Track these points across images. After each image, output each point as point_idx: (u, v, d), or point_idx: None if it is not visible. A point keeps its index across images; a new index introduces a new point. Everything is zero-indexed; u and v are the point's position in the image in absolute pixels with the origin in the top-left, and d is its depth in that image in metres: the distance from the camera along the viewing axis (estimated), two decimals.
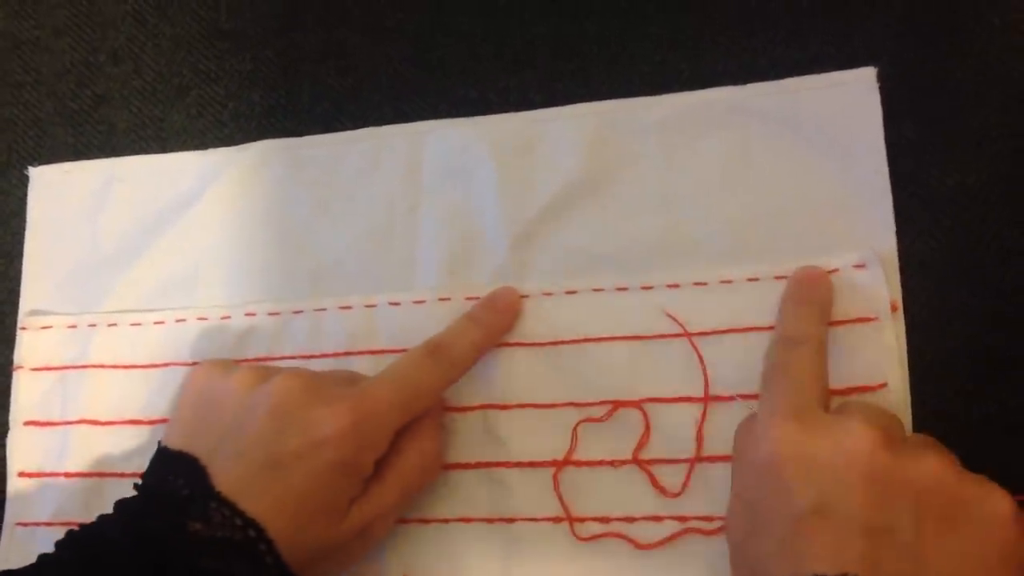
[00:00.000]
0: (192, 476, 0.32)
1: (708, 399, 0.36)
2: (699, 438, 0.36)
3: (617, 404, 0.37)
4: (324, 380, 0.35)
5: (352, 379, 0.36)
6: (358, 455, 0.33)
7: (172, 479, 0.33)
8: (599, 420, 0.38)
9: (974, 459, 0.35)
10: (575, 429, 0.38)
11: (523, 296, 0.39)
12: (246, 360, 0.42)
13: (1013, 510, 0.28)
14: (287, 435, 0.32)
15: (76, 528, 0.32)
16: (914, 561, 0.28)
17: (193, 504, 0.31)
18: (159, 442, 0.36)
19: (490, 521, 0.38)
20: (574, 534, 0.37)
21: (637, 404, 0.37)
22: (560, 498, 0.37)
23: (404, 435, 0.35)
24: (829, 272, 0.36)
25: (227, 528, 0.30)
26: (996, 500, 0.29)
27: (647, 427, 0.37)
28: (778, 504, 0.29)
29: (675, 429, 0.37)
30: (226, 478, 0.32)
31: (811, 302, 0.35)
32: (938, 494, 0.29)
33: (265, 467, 0.32)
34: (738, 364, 0.36)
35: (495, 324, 0.38)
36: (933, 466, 0.29)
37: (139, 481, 0.35)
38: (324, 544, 0.33)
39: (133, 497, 0.33)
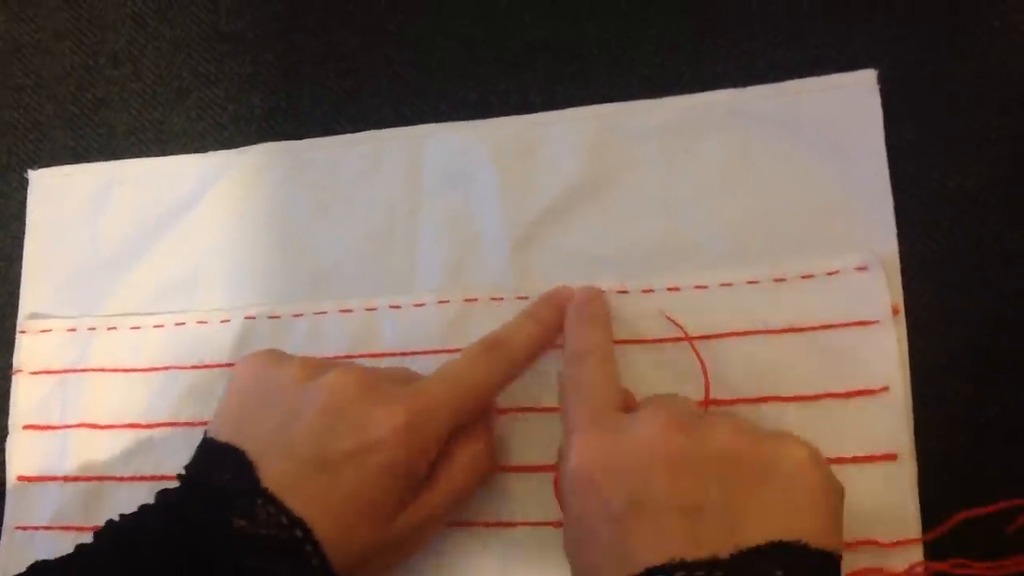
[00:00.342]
0: (239, 470, 0.31)
1: (708, 403, 0.36)
2: None
3: None
4: (379, 378, 0.34)
5: (407, 377, 0.35)
6: (411, 458, 0.31)
7: (218, 472, 0.31)
8: None
9: (976, 462, 0.35)
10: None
11: (522, 298, 0.39)
12: None
13: (809, 453, 0.29)
14: (339, 434, 0.31)
15: (116, 519, 0.31)
16: (731, 528, 0.28)
17: (239, 499, 0.30)
18: (205, 431, 0.34)
19: (489, 525, 0.38)
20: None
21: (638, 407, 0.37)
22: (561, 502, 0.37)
23: (456, 437, 0.34)
24: (829, 274, 0.36)
25: (273, 526, 0.29)
26: (792, 449, 0.29)
27: None
28: (597, 510, 0.29)
29: None
30: (274, 474, 0.30)
31: (590, 318, 0.36)
32: (738, 459, 0.29)
33: (315, 466, 0.31)
34: (739, 367, 0.36)
35: (552, 320, 0.37)
36: (727, 434, 0.29)
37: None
38: (371, 546, 0.31)
39: (176, 488, 0.32)
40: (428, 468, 0.33)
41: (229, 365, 0.42)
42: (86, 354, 0.44)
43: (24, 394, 0.45)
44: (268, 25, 0.46)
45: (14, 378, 0.45)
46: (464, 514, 0.38)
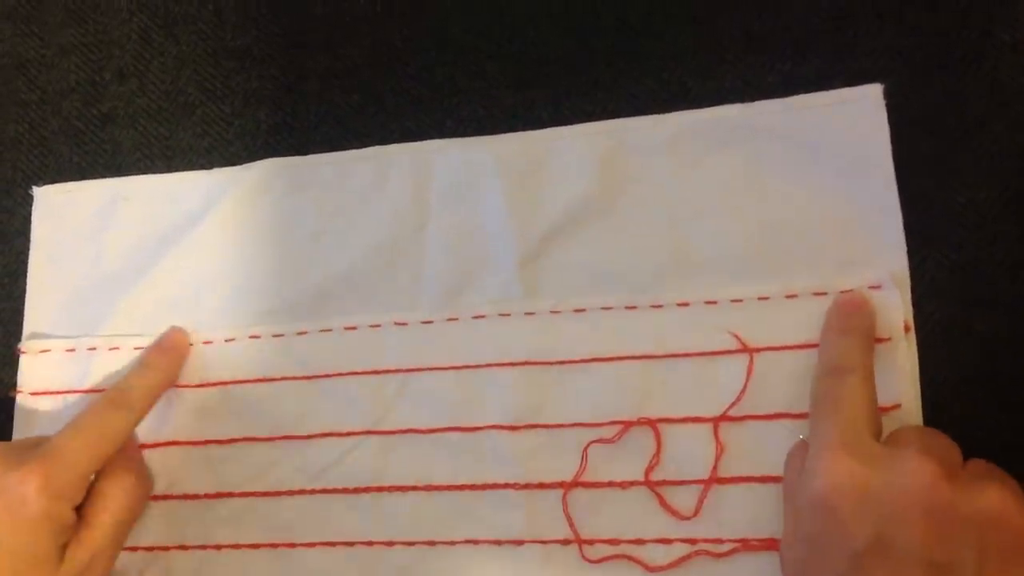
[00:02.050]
0: None
1: (721, 419, 0.36)
2: (716, 459, 0.36)
3: (627, 424, 0.37)
4: (9, 447, 0.38)
5: (36, 442, 0.38)
6: (55, 506, 0.35)
7: None
8: (610, 441, 0.37)
9: None
10: (585, 450, 0.37)
11: (529, 314, 0.39)
12: (249, 382, 0.42)
13: None
14: None
15: None
16: None
17: None
18: None
19: (498, 543, 0.38)
20: (583, 556, 0.37)
21: (650, 423, 0.37)
22: (569, 519, 0.37)
23: (103, 478, 0.38)
24: (842, 292, 0.36)
25: None
26: None
27: (658, 448, 0.37)
28: (835, 540, 0.29)
29: (686, 450, 0.36)
30: None
31: (856, 330, 0.34)
32: (1001, 528, 0.28)
33: None
34: (750, 384, 0.36)
35: (166, 365, 0.42)
36: (995, 498, 0.28)
37: None
38: None
39: None
40: (73, 513, 0.36)
41: (234, 383, 0.42)
42: (87, 374, 0.44)
43: (26, 415, 0.44)
44: (274, 41, 0.46)
45: (16, 399, 0.45)
46: (473, 532, 0.38)
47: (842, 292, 0.36)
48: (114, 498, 0.38)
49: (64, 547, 0.36)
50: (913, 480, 0.28)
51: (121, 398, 0.40)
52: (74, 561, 0.36)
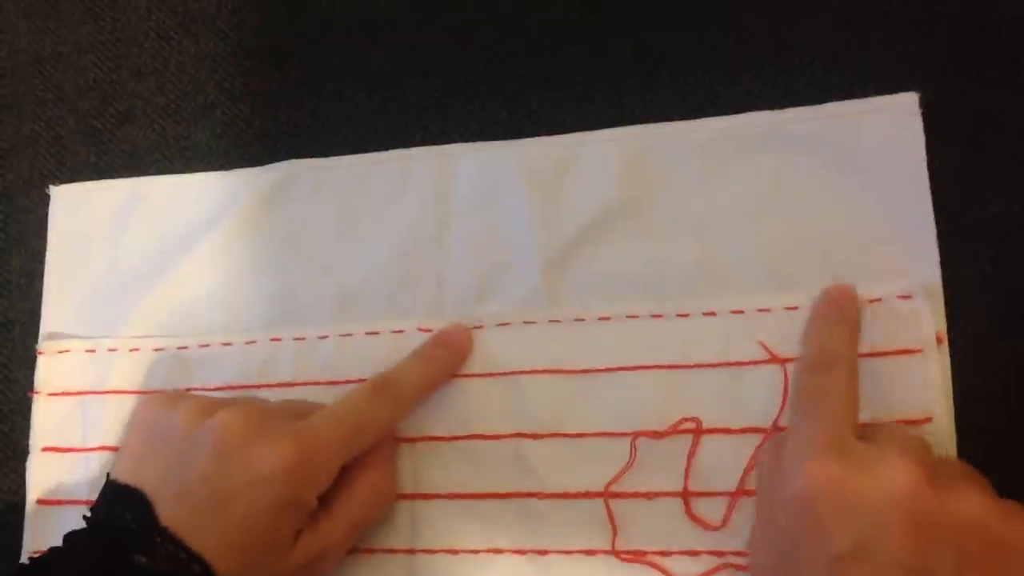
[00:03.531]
0: (138, 509, 0.33)
1: (747, 430, 0.36)
2: (744, 471, 0.35)
3: (680, 421, 0.37)
4: (270, 414, 0.35)
5: (301, 411, 0.36)
6: (300, 492, 0.33)
7: (119, 513, 0.33)
8: (657, 436, 0.37)
9: (1020, 494, 0.34)
10: (634, 442, 0.37)
11: (555, 322, 0.39)
12: (271, 386, 0.41)
13: None
14: (228, 474, 0.32)
15: (25, 563, 0.32)
16: None
17: (139, 538, 0.31)
18: (108, 473, 0.36)
19: (521, 552, 0.37)
20: (614, 552, 0.36)
21: (696, 428, 0.36)
22: (611, 519, 0.36)
23: (354, 469, 0.35)
24: (871, 301, 0.35)
25: (172, 562, 0.31)
26: None
27: (691, 456, 0.36)
28: (813, 543, 0.28)
29: (713, 461, 0.36)
30: (171, 513, 0.32)
31: (842, 321, 0.34)
32: (980, 535, 0.28)
33: (209, 505, 0.32)
34: (776, 395, 0.36)
35: (444, 360, 0.38)
36: (975, 504, 0.28)
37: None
38: None
39: (82, 529, 0.34)
40: (318, 501, 0.34)
41: (254, 387, 0.41)
42: (106, 376, 0.43)
43: (43, 416, 0.44)
44: (295, 41, 0.45)
45: (34, 399, 0.44)
46: (496, 542, 0.38)
47: (832, 282, 0.35)
48: (360, 494, 0.35)
49: (299, 534, 0.34)
50: (897, 485, 0.28)
51: (388, 387, 0.37)
52: (306, 551, 0.34)
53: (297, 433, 0.33)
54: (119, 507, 0.33)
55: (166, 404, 0.37)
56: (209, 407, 0.35)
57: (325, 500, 0.35)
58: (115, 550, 0.31)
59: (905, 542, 0.27)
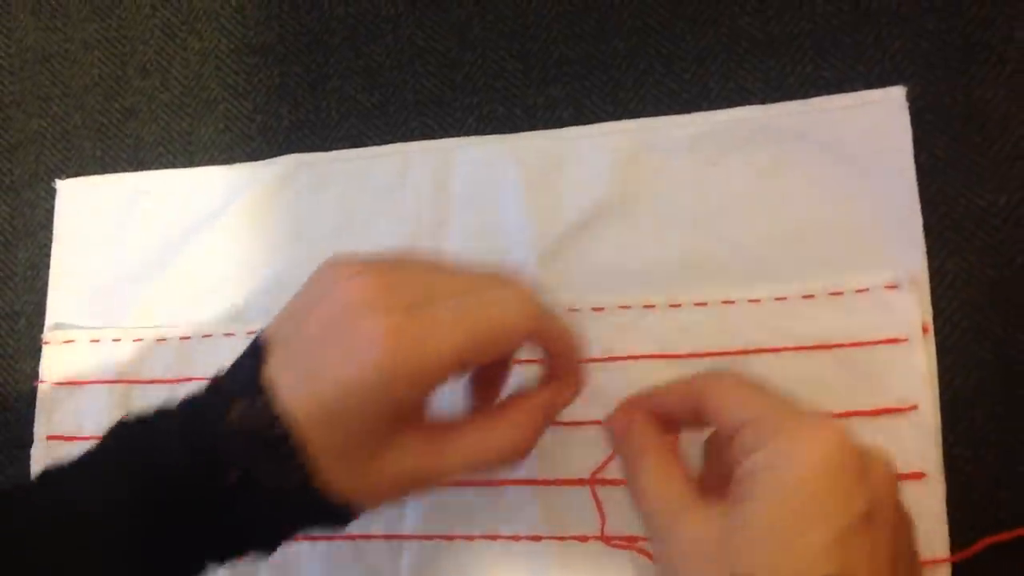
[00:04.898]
0: (251, 362, 0.30)
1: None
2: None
3: None
4: (403, 289, 0.30)
5: (447, 292, 0.30)
6: (391, 382, 0.28)
7: (238, 364, 0.31)
8: None
9: (1006, 482, 0.35)
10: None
11: None
12: None
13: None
14: (335, 339, 0.29)
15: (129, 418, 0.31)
16: None
17: (241, 393, 0.29)
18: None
19: (516, 539, 0.38)
20: (604, 538, 0.37)
21: None
22: (599, 506, 0.37)
23: (507, 404, 0.32)
24: (858, 291, 0.36)
25: (259, 420, 0.29)
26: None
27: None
28: (828, 510, 0.26)
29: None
30: (276, 369, 0.30)
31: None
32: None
33: (309, 367, 0.29)
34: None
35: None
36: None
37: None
38: (357, 465, 0.30)
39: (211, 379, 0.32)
40: (418, 395, 0.30)
41: None
42: (111, 365, 0.44)
43: (48, 405, 0.45)
44: (296, 38, 0.46)
45: (39, 389, 0.45)
46: (491, 528, 0.38)
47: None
48: (482, 438, 0.31)
49: (398, 433, 0.30)
50: (887, 468, 0.28)
51: (532, 298, 0.31)
52: (405, 457, 0.30)
53: (407, 320, 0.29)
54: (241, 358, 0.31)
55: (334, 261, 0.32)
56: (361, 269, 0.31)
57: (448, 423, 0.31)
58: (214, 405, 0.30)
59: (897, 510, 0.28)
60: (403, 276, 0.31)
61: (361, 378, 0.28)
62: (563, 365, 0.33)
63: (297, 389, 0.29)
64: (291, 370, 0.29)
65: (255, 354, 0.30)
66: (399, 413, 0.29)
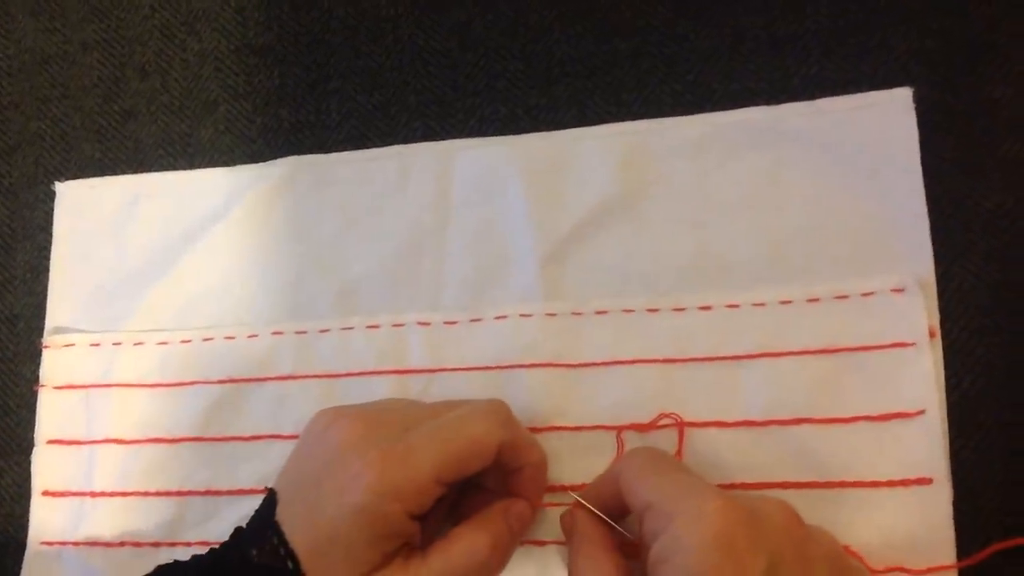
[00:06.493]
0: (267, 507, 0.34)
1: (740, 423, 0.36)
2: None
3: (648, 427, 0.37)
4: (383, 424, 0.34)
5: (420, 415, 0.35)
6: (382, 504, 0.32)
7: (258, 511, 0.35)
8: (644, 428, 0.37)
9: (1013, 487, 0.34)
10: (619, 436, 0.37)
11: (551, 315, 0.39)
12: (272, 379, 0.42)
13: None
14: (327, 477, 0.33)
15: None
16: None
17: (259, 531, 0.33)
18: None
19: (521, 544, 0.38)
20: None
21: (677, 424, 0.37)
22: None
23: (466, 525, 0.35)
24: (864, 295, 0.36)
25: (274, 557, 0.32)
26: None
27: (679, 448, 0.37)
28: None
29: (706, 454, 0.36)
30: (287, 511, 0.33)
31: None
32: (843, 566, 0.32)
33: (311, 506, 0.33)
34: (772, 388, 0.36)
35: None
36: (833, 540, 0.32)
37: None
38: None
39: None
40: (410, 521, 0.33)
41: (256, 380, 0.42)
42: (111, 369, 0.44)
43: (48, 409, 0.45)
44: (297, 38, 0.46)
45: (39, 393, 0.45)
46: None
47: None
48: (459, 550, 0.34)
49: (387, 556, 0.33)
50: (781, 514, 0.30)
51: (499, 410, 0.35)
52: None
53: (390, 447, 0.33)
54: (261, 506, 0.35)
55: (324, 415, 0.36)
56: (346, 412, 0.35)
57: (430, 543, 0.34)
58: (239, 543, 0.33)
59: (801, 565, 0.29)
60: (383, 414, 0.35)
61: (353, 503, 0.32)
62: (528, 478, 0.36)
63: (300, 526, 0.33)
64: (296, 508, 0.33)
65: (270, 501, 0.34)
66: (390, 530, 0.32)
